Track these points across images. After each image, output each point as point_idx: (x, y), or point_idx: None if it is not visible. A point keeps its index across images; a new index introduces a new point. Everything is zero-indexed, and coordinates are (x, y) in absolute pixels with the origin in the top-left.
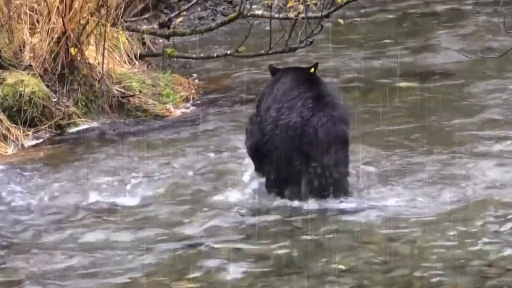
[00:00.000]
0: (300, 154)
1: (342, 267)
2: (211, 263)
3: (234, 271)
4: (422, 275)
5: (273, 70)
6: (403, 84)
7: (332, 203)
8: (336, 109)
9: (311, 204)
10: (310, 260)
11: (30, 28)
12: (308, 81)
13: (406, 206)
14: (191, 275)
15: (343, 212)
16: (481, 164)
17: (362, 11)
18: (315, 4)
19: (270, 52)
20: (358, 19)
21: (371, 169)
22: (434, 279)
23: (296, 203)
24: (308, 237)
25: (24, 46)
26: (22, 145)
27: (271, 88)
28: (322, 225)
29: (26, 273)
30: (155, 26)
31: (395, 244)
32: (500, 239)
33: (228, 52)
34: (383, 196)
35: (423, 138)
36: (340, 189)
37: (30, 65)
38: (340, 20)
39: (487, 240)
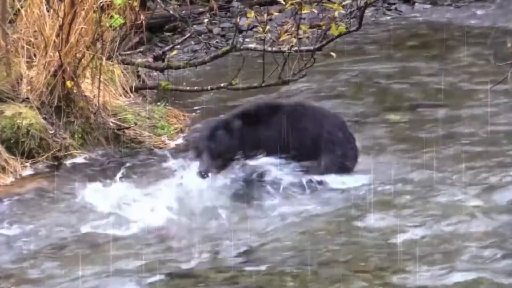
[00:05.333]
0: None
1: None
2: None
3: None
4: None
5: None
6: (392, 116)
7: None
8: None
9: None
10: None
11: (27, 62)
12: None
13: (398, 236)
14: None
15: (333, 241)
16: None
17: (354, 44)
18: (308, 38)
19: (263, 84)
20: (351, 51)
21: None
22: None
23: (285, 231)
24: (302, 265)
25: (21, 79)
26: (20, 176)
27: None
28: (314, 255)
29: None
30: (150, 59)
31: (387, 274)
32: (491, 271)
33: (222, 84)
34: (373, 225)
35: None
36: None
37: (28, 98)
38: (333, 53)
39: (475, 271)
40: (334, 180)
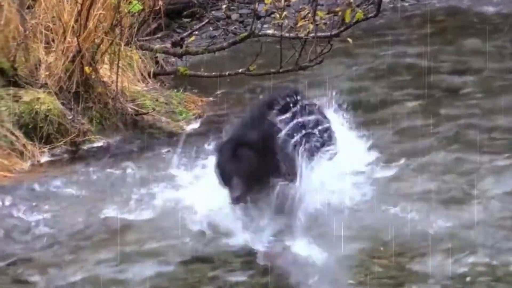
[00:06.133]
0: None
1: (352, 281)
2: (224, 275)
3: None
4: None
5: None
6: (410, 102)
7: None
8: None
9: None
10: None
11: (46, 47)
12: None
13: (416, 221)
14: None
15: (352, 227)
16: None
17: (371, 30)
18: (325, 24)
19: (280, 70)
20: (368, 37)
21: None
22: None
23: (302, 216)
24: (319, 251)
25: (40, 65)
26: (38, 161)
27: None
28: (331, 240)
29: (42, 287)
30: (168, 45)
31: (405, 260)
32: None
33: (240, 70)
34: (392, 211)
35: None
36: None
37: (46, 83)
38: (350, 39)
39: (494, 256)
40: (348, 166)
